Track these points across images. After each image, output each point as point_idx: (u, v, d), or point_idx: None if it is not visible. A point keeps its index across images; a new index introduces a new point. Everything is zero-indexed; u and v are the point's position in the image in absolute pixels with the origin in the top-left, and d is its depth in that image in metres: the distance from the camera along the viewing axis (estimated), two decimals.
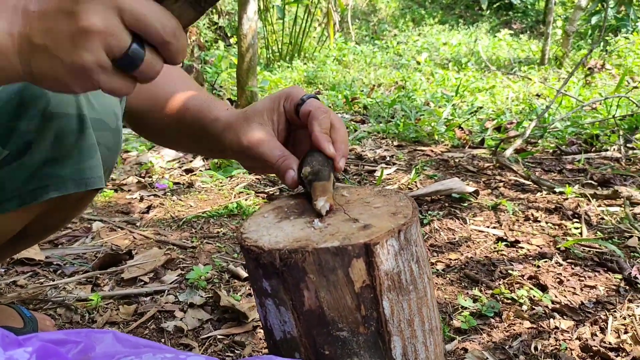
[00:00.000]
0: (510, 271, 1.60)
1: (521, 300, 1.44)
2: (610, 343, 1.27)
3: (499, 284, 1.54)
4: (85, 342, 0.64)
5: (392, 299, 0.70)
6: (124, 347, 0.66)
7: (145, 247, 1.82)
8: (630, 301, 1.43)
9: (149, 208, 2.16)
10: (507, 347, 1.28)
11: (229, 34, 7.58)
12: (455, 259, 1.71)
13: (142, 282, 1.60)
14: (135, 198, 2.25)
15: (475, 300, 1.46)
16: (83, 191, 0.95)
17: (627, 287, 1.51)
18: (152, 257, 1.72)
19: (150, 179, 2.42)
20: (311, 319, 0.70)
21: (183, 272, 1.64)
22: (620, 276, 1.56)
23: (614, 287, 1.52)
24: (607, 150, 2.83)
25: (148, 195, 2.28)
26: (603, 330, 1.32)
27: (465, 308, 1.43)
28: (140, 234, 1.92)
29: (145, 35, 0.59)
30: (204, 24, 7.23)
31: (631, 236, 1.81)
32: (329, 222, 0.74)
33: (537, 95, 4.04)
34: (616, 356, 1.22)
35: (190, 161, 2.71)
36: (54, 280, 1.60)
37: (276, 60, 6.46)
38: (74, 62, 0.57)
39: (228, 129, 0.91)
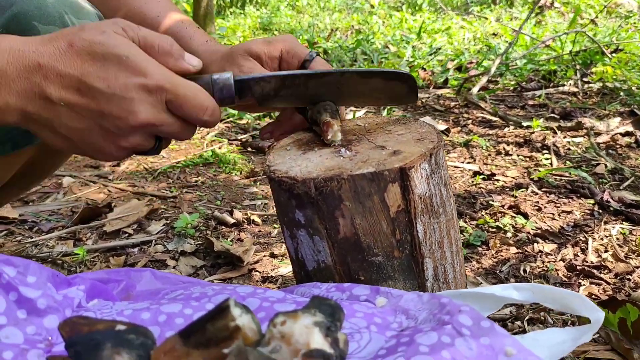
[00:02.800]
0: (490, 202, 1.66)
1: (506, 228, 1.50)
2: (592, 262, 1.34)
3: (482, 215, 1.59)
4: (126, 280, 0.62)
5: (425, 222, 0.71)
6: (163, 284, 0.65)
7: (123, 200, 1.77)
8: (605, 223, 1.52)
9: (119, 161, 2.09)
10: (497, 271, 1.33)
11: None
12: None
13: (127, 234, 1.57)
14: None
15: (461, 231, 1.51)
16: None
17: (601, 211, 1.59)
18: (133, 208, 1.68)
19: None
20: (346, 246, 0.71)
21: (168, 222, 1.62)
22: (592, 201, 1.65)
23: (589, 211, 1.60)
24: (564, 85, 2.92)
25: None
26: (584, 251, 1.40)
27: None
28: (115, 187, 1.86)
29: (184, 117, 0.63)
30: None
31: (598, 164, 1.90)
32: (356, 151, 0.74)
33: (494, 34, 4.10)
34: (599, 273, 1.29)
35: None
36: (32, 238, 1.55)
37: (227, 7, 6.25)
38: (96, 157, 0.62)
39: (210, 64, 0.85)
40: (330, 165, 0.71)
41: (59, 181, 1.91)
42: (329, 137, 0.75)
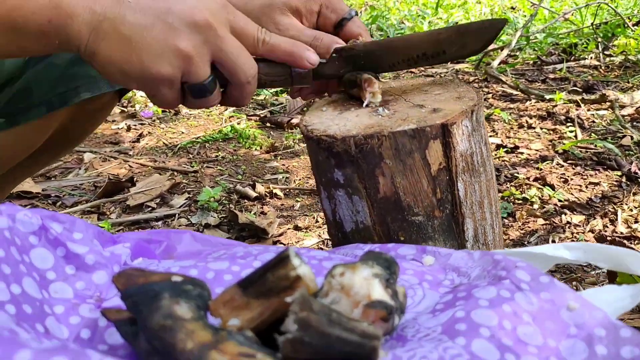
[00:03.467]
0: (515, 175, 1.63)
1: (532, 200, 1.48)
2: (622, 233, 1.32)
3: (507, 187, 1.57)
4: (167, 241, 0.62)
5: (466, 180, 0.70)
6: (204, 245, 0.64)
7: (144, 175, 1.77)
8: (634, 194, 1.49)
9: (139, 137, 2.09)
10: (525, 242, 1.32)
11: None
12: None
13: (150, 208, 1.57)
14: (122, 128, 2.17)
15: None
16: (107, 98, 0.91)
17: (629, 182, 1.57)
18: (156, 183, 1.67)
19: (134, 109, 2.33)
20: (386, 205, 0.69)
21: (190, 196, 1.61)
22: (620, 173, 1.62)
23: (617, 183, 1.57)
24: (585, 58, 2.87)
25: (135, 125, 2.20)
26: (613, 222, 1.38)
27: None
28: (136, 162, 1.86)
29: (229, 74, 0.64)
30: None
31: (624, 136, 1.87)
32: (394, 110, 0.72)
33: (512, 8, 4.02)
34: (630, 243, 1.27)
35: None
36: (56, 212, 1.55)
37: None
38: (150, 68, 0.59)
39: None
40: (369, 123, 0.69)
41: (80, 157, 1.92)
42: (368, 97, 0.73)
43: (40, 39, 0.57)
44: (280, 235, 1.41)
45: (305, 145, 1.50)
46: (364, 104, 0.74)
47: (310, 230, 1.42)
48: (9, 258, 0.38)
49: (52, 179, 1.79)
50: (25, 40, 0.57)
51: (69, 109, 0.86)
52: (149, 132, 2.13)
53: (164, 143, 2.02)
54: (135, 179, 1.71)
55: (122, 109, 2.34)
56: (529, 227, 1.38)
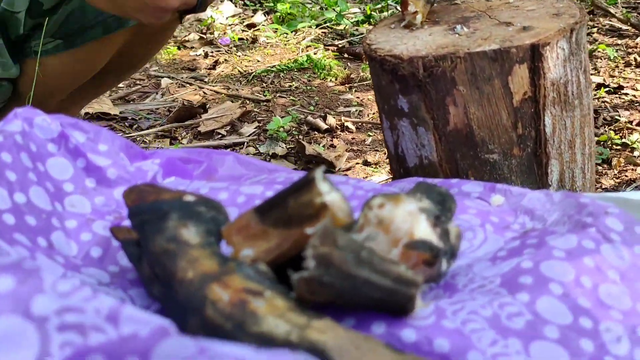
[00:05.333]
0: (616, 117, 1.46)
1: (634, 146, 1.32)
2: None
3: (605, 131, 1.41)
4: (208, 162, 0.57)
5: (556, 115, 0.60)
6: (247, 169, 0.59)
7: (217, 102, 1.75)
8: None
9: (215, 64, 2.07)
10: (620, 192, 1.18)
11: None
12: None
13: (220, 135, 1.56)
14: (200, 55, 2.16)
15: None
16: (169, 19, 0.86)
17: None
18: (227, 110, 1.65)
19: (212, 35, 2.31)
20: (456, 140, 0.61)
21: (260, 125, 1.58)
22: None
23: None
24: None
25: (212, 52, 2.18)
26: None
27: None
28: (210, 89, 1.85)
29: None
30: None
31: None
32: (475, 28, 0.62)
33: None
34: None
35: (252, 16, 2.57)
36: (131, 134, 1.57)
37: None
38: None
39: None
40: (443, 43, 0.60)
41: (158, 82, 1.93)
42: (407, 17, 0.63)
43: None
44: (348, 169, 1.35)
45: None
46: (402, 24, 0.64)
47: (379, 166, 1.35)
48: (16, 164, 0.35)
49: (131, 102, 1.82)
50: None
51: (128, 31, 0.84)
52: (225, 60, 2.11)
53: (239, 71, 1.99)
54: (207, 105, 1.70)
55: (201, 35, 2.33)
56: (626, 175, 1.24)
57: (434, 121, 0.61)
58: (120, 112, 1.70)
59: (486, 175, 0.62)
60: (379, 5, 2.49)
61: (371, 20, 2.35)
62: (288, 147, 1.46)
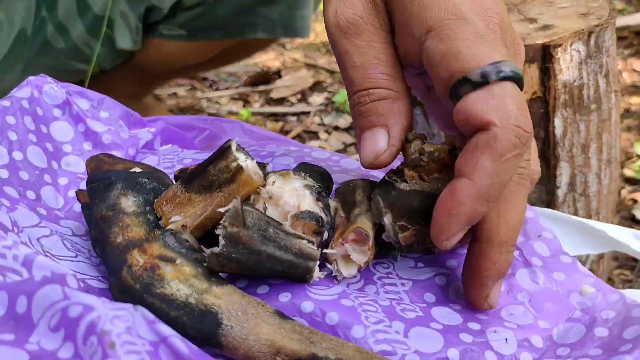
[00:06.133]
0: None
1: None
2: None
3: None
4: (211, 129, 0.61)
5: (567, 117, 0.58)
6: (250, 138, 0.63)
7: (293, 69, 1.80)
8: None
9: None
10: None
11: None
12: (636, 104, 1.47)
13: (290, 103, 1.61)
14: None
15: (627, 157, 1.26)
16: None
17: None
18: (301, 78, 1.70)
19: None
20: None
21: (329, 96, 1.61)
22: None
23: None
24: None
25: None
26: None
27: None
28: (290, 57, 1.89)
29: None
30: None
31: None
32: None
33: None
34: None
35: None
36: (207, 94, 1.67)
37: None
38: None
39: None
40: None
41: None
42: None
43: None
44: None
45: None
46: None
47: None
48: (19, 126, 0.41)
49: None
50: None
51: (244, 39, 0.97)
52: (312, 28, 2.14)
53: (321, 41, 2.01)
54: (283, 72, 1.75)
55: None
56: None
57: None
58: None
59: None
60: None
61: None
62: (350, 121, 1.49)
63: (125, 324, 0.25)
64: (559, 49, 0.55)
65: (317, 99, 1.59)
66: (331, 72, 1.76)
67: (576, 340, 0.33)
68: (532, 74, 0.56)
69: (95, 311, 0.25)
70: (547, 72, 0.56)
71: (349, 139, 1.40)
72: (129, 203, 0.34)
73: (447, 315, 0.34)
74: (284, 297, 0.33)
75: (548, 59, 0.55)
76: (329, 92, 1.64)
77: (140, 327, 0.25)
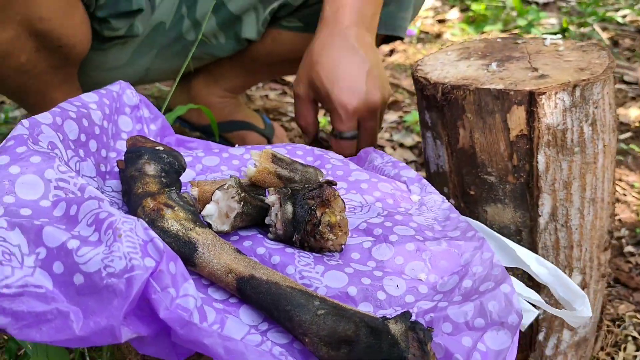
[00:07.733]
0: None
1: None
2: None
3: None
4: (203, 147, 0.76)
5: (550, 155, 0.67)
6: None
7: None
8: None
9: (391, 51, 2.23)
10: None
11: None
12: None
13: None
14: None
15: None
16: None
17: None
18: None
19: None
20: (463, 157, 0.71)
21: (403, 115, 1.72)
22: None
23: None
24: None
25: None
26: None
27: None
28: None
29: None
30: None
31: None
32: (506, 67, 0.71)
33: None
34: None
35: (446, 12, 2.65)
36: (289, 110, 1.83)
37: None
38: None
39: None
40: (468, 75, 0.70)
41: None
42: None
43: None
44: None
45: None
46: None
47: None
48: (102, 108, 0.59)
49: None
50: None
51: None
52: (403, 50, 2.25)
53: (409, 63, 2.12)
54: None
55: None
56: None
57: (448, 138, 0.72)
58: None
59: (484, 192, 0.71)
60: (581, 20, 2.39)
61: (566, 34, 2.27)
62: (418, 140, 1.58)
63: (130, 226, 0.40)
64: (544, 96, 0.63)
65: (392, 116, 1.71)
66: (411, 94, 1.86)
67: (449, 289, 0.46)
68: (519, 115, 0.65)
69: (113, 216, 0.40)
70: (532, 115, 0.65)
71: (410, 156, 1.50)
72: (150, 169, 0.50)
73: (360, 266, 0.47)
74: (247, 243, 0.48)
75: (533, 104, 0.64)
76: (405, 111, 1.75)
77: (138, 230, 0.40)
